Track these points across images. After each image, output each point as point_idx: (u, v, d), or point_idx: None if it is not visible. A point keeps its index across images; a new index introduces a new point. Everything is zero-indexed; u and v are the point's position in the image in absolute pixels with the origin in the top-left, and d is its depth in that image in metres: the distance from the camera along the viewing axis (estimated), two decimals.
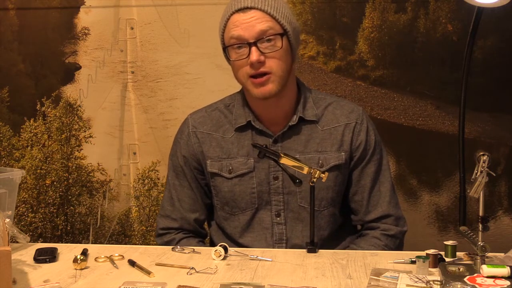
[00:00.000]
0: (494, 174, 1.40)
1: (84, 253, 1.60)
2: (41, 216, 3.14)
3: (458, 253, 1.58)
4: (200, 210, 1.93)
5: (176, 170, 1.92)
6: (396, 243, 1.86)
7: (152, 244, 3.03)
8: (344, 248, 1.84)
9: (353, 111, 1.88)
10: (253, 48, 1.73)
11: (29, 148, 3.13)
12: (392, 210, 1.87)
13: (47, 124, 3.12)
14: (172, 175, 1.93)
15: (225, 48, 1.80)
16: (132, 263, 1.55)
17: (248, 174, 1.84)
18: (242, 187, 1.85)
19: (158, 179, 3.11)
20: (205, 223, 1.99)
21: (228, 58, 1.82)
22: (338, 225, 1.90)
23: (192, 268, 1.51)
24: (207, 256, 1.63)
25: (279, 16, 1.75)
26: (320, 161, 1.83)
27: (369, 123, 1.88)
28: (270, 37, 1.74)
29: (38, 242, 2.10)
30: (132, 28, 3.09)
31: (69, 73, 3.14)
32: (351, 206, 1.90)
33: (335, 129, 1.85)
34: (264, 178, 1.84)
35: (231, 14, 1.76)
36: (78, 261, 1.53)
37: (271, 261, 1.59)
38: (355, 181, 1.87)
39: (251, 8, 1.74)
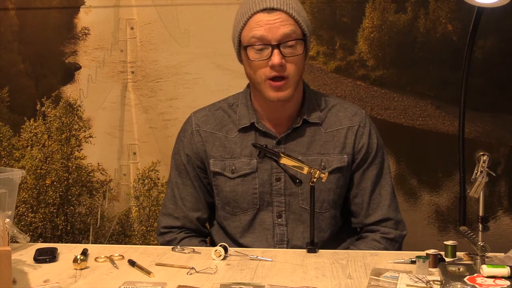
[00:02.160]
0: (494, 174, 1.40)
1: (84, 253, 1.60)
2: (41, 216, 3.14)
3: (458, 253, 1.58)
4: (203, 209, 1.93)
5: (179, 169, 1.92)
6: (396, 246, 1.86)
7: (152, 244, 3.03)
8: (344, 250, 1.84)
9: (356, 114, 1.88)
10: (276, 51, 1.72)
11: (29, 148, 3.13)
12: (392, 214, 1.87)
13: (47, 124, 3.12)
14: (174, 173, 1.93)
15: (241, 47, 1.78)
16: (132, 263, 1.55)
17: (250, 174, 1.84)
18: (244, 187, 1.84)
19: (158, 179, 3.11)
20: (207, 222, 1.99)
21: (240, 56, 1.81)
22: (338, 227, 1.90)
23: (192, 268, 1.51)
24: (207, 256, 1.63)
25: (301, 20, 1.75)
26: (323, 163, 1.83)
27: (372, 126, 1.88)
28: (292, 41, 1.73)
29: (38, 242, 2.10)
30: (132, 28, 3.09)
31: (69, 73, 3.14)
32: (351, 209, 1.90)
33: (338, 131, 1.85)
34: (267, 179, 1.84)
35: (255, 13, 1.74)
36: (78, 261, 1.53)
37: (271, 261, 1.59)
38: (356, 183, 1.87)
39: (277, 9, 1.73)
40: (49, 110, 3.12)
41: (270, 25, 1.72)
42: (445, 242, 1.59)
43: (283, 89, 1.75)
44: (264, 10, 1.73)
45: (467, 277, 1.33)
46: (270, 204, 1.85)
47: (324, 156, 1.83)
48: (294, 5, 1.75)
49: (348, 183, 1.88)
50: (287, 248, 1.84)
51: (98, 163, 3.14)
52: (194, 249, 1.69)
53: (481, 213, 1.41)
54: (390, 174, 1.91)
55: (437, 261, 1.49)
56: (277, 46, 1.72)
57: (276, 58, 1.72)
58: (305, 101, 1.86)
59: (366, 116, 1.89)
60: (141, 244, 3.11)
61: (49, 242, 2.88)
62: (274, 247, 1.84)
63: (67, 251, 1.69)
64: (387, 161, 1.90)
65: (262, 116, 1.85)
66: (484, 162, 1.40)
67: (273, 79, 1.75)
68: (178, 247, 1.71)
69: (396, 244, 1.86)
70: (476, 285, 1.29)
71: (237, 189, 1.85)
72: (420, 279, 1.40)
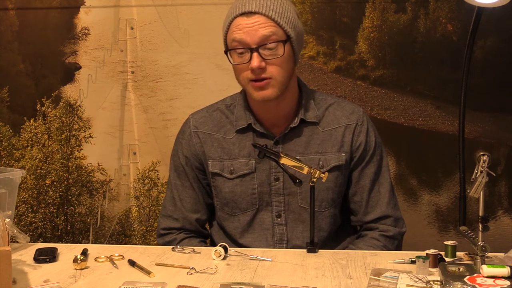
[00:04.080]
0: (494, 174, 1.40)
1: (84, 253, 1.60)
2: (41, 216, 3.14)
3: (458, 253, 1.58)
4: (202, 210, 1.93)
5: (177, 170, 1.92)
6: (395, 244, 1.86)
7: (152, 244, 3.03)
8: (344, 249, 1.84)
9: (354, 112, 1.88)
10: (255, 54, 1.72)
11: (29, 148, 3.13)
12: (391, 211, 1.87)
13: (47, 124, 3.12)
14: (173, 175, 1.93)
15: (227, 51, 1.80)
16: (132, 263, 1.55)
17: (249, 175, 1.84)
18: (243, 187, 1.85)
19: (158, 179, 3.11)
20: (207, 223, 1.99)
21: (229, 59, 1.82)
22: (338, 226, 1.90)
23: (192, 268, 1.51)
24: (207, 256, 1.63)
25: (283, 22, 1.74)
26: (321, 162, 1.83)
27: (370, 124, 1.88)
28: (272, 43, 1.73)
29: (38, 242, 2.10)
30: (132, 28, 3.09)
31: (69, 73, 3.14)
32: (351, 207, 1.90)
33: (335, 130, 1.85)
34: (265, 179, 1.84)
35: (235, 17, 1.75)
36: (78, 261, 1.53)
37: (271, 261, 1.59)
38: (355, 181, 1.87)
39: (255, 13, 1.73)
40: (49, 110, 3.12)
41: (249, 29, 1.73)
42: (445, 242, 1.59)
43: (265, 88, 1.75)
44: (243, 14, 1.74)
45: (467, 277, 1.33)
46: (269, 204, 1.85)
47: (322, 155, 1.84)
48: (276, 7, 1.74)
49: (347, 181, 1.88)
50: (286, 247, 1.84)
51: (98, 163, 3.14)
52: (194, 249, 1.69)
53: (481, 213, 1.41)
54: (389, 171, 1.91)
55: (437, 261, 1.49)
56: (256, 49, 1.72)
57: (254, 62, 1.72)
58: (301, 101, 1.86)
59: (364, 114, 1.89)
60: (141, 244, 3.11)
61: (49, 242, 2.88)
62: (274, 247, 1.84)
63: (67, 251, 1.69)
64: (385, 159, 1.90)
65: (259, 117, 1.85)
66: (484, 162, 1.40)
67: (255, 80, 1.76)
68: (178, 247, 1.71)
69: (395, 241, 1.86)
70: (476, 285, 1.29)
71: (236, 189, 1.85)
72: (420, 279, 1.40)
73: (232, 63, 1.78)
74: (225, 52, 1.79)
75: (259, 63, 1.72)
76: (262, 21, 1.73)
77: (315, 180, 1.67)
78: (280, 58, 1.74)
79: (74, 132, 3.13)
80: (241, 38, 1.73)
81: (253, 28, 1.72)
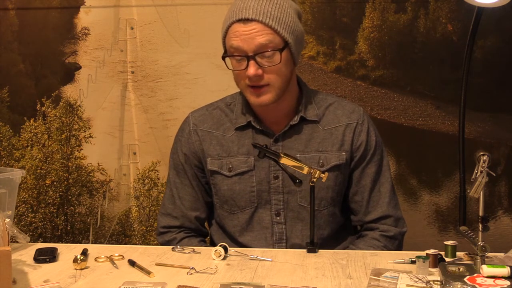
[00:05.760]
0: (494, 174, 1.40)
1: (84, 253, 1.61)
2: (41, 216, 3.14)
3: (458, 253, 1.58)
4: (201, 208, 1.93)
5: (177, 168, 1.92)
6: (395, 244, 1.86)
7: (152, 244, 3.04)
8: (344, 248, 1.84)
9: (354, 111, 1.88)
10: (251, 62, 1.72)
11: (29, 148, 3.13)
12: (391, 211, 1.87)
13: (47, 124, 3.12)
14: (173, 173, 1.94)
15: (224, 57, 1.79)
16: (132, 263, 1.55)
17: (248, 172, 1.84)
18: (241, 185, 1.85)
19: (158, 179, 3.11)
20: (206, 222, 1.99)
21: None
22: (338, 225, 1.90)
23: (192, 268, 1.51)
24: (207, 256, 1.63)
25: (281, 29, 1.73)
26: (321, 161, 1.83)
27: (370, 124, 1.88)
28: (270, 52, 1.73)
29: (38, 242, 2.10)
30: (132, 28, 3.09)
31: (69, 73, 3.14)
32: (351, 207, 1.90)
33: (336, 129, 1.85)
34: (264, 177, 1.84)
35: (232, 23, 1.74)
36: (78, 261, 1.53)
37: (271, 261, 1.59)
38: (356, 181, 1.87)
39: (252, 20, 1.72)
40: (49, 110, 3.12)
41: (246, 36, 1.72)
42: (445, 242, 1.59)
43: (263, 94, 1.76)
44: (240, 20, 1.73)
45: (467, 277, 1.33)
46: (268, 202, 1.85)
47: (322, 153, 1.84)
48: (274, 12, 1.73)
49: (348, 181, 1.88)
50: (286, 246, 1.85)
51: (98, 163, 3.14)
52: (194, 249, 1.69)
53: (481, 213, 1.41)
54: (390, 171, 1.91)
55: (437, 261, 1.49)
56: (253, 57, 1.72)
57: (251, 70, 1.72)
58: (302, 99, 1.86)
59: (364, 114, 1.89)
60: (141, 244, 3.11)
61: (49, 242, 2.88)
62: (273, 246, 1.85)
63: (67, 251, 1.69)
64: (386, 158, 1.90)
65: (259, 115, 1.85)
66: (484, 162, 1.40)
67: (253, 86, 1.76)
68: (178, 247, 1.71)
69: (395, 241, 1.86)
70: (476, 285, 1.29)
71: (235, 187, 1.85)
72: (420, 279, 1.40)
73: (230, 68, 1.78)
74: (223, 58, 1.79)
75: (255, 71, 1.72)
76: (259, 28, 1.72)
77: (315, 180, 1.67)
78: (277, 66, 1.74)
79: (74, 132, 3.13)
80: (238, 45, 1.73)
81: (250, 36, 1.72)
